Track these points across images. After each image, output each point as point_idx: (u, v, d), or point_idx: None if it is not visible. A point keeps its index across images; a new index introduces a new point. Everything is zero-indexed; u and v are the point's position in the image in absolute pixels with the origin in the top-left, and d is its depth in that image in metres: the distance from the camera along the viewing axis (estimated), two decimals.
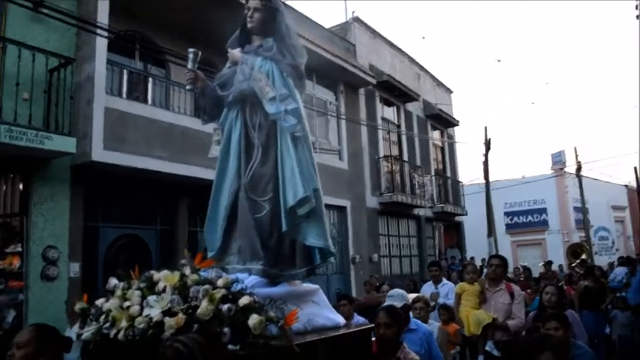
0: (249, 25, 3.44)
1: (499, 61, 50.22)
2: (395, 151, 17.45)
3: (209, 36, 7.59)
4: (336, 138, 14.69)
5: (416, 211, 17.85)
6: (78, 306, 2.86)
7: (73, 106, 7.65)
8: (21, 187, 7.58)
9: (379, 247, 15.75)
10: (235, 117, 3.33)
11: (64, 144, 7.16)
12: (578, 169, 25.05)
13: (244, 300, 2.46)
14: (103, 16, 8.05)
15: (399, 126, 17.97)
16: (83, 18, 8.11)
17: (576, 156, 25.19)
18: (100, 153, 7.63)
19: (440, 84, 21.89)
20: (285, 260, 3.19)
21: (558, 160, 27.64)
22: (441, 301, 6.95)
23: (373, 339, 3.57)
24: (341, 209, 14.24)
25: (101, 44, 7.97)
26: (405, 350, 3.59)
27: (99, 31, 7.97)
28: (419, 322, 4.84)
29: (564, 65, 73.55)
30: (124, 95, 8.93)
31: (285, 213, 3.08)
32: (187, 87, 3.48)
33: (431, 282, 7.83)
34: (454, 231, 21.52)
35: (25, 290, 7.31)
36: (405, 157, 17.69)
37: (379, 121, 16.48)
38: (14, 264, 7.28)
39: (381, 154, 16.23)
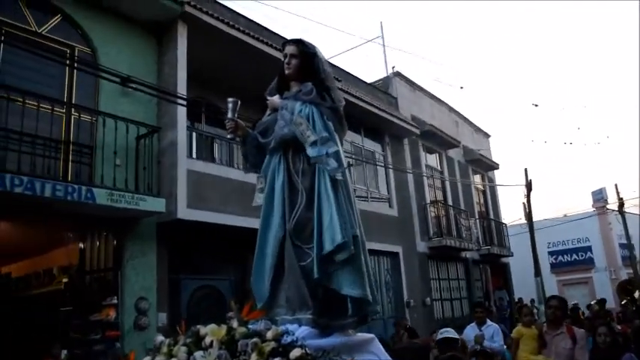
0: (286, 72, 3.42)
1: (536, 105, 50.69)
2: (440, 197, 17.95)
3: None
4: (385, 187, 15.32)
5: (463, 254, 18.20)
6: None
7: (159, 169, 8.46)
8: (114, 243, 8.35)
9: (430, 290, 16.08)
10: (278, 163, 3.28)
11: (156, 204, 7.94)
12: (621, 205, 25.03)
13: (295, 352, 2.35)
14: (182, 86, 8.96)
15: (442, 172, 18.52)
16: (164, 89, 9.03)
17: (617, 192, 25.24)
18: (183, 211, 8.38)
19: (478, 129, 22.49)
20: (335, 309, 3.05)
21: (599, 198, 27.67)
22: (486, 344, 6.74)
23: None
24: (394, 255, 14.74)
25: (181, 113, 8.85)
26: None
27: (179, 100, 8.86)
28: None
29: (600, 104, 73.53)
30: (197, 156, 9.77)
31: (319, 260, 2.98)
32: (228, 136, 3.48)
33: (474, 324, 7.54)
34: (501, 272, 21.64)
35: (120, 340, 7.96)
36: (450, 202, 18.17)
37: (423, 169, 17.09)
38: (111, 315, 7.98)
39: (428, 200, 16.77)
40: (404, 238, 15.18)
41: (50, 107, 7.64)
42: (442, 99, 19.81)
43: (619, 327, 10.85)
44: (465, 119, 21.47)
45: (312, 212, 3.08)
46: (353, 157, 13.96)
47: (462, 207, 18.76)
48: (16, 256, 11.12)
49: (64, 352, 7.54)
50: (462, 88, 65.01)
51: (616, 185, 26.04)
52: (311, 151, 3.08)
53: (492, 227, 20.97)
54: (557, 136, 69.57)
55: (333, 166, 3.05)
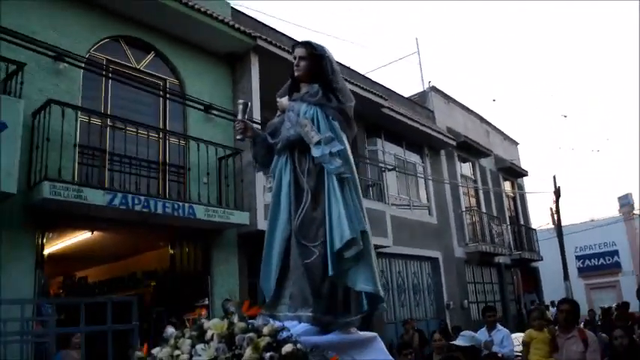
0: (296, 74, 3.48)
1: (565, 116, 51.43)
2: (474, 204, 18.93)
3: None
4: (425, 195, 16.36)
5: (496, 259, 19.14)
6: (136, 356, 2.91)
7: (241, 186, 9.59)
8: (202, 251, 9.50)
9: (467, 293, 17.05)
10: (285, 163, 3.34)
11: (242, 217, 9.08)
12: None
13: (287, 348, 2.45)
14: (255, 111, 10.09)
15: (475, 181, 19.49)
16: None
17: None
18: (262, 223, 9.50)
19: (507, 137, 23.40)
20: (339, 307, 3.11)
21: (626, 203, 28.37)
22: (495, 349, 6.47)
23: None
24: (434, 260, 15.76)
25: None
26: None
27: (254, 124, 9.98)
28: None
29: (627, 115, 73.86)
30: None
31: (332, 257, 3.02)
32: (237, 137, 3.55)
33: (484, 329, 7.25)
34: (531, 276, 22.49)
35: None
36: (483, 209, 19.13)
37: (459, 178, 18.08)
38: (203, 315, 9.12)
39: (463, 208, 17.76)
40: (443, 244, 16.20)
41: (146, 133, 8.83)
42: (473, 109, 20.79)
43: None
44: (495, 128, 22.40)
45: (317, 211, 3.16)
46: (396, 169, 15.03)
47: (495, 213, 19.71)
48: (108, 261, 12.26)
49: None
50: (494, 100, 66.01)
51: None
52: (315, 152, 3.15)
53: (522, 233, 21.85)
54: (585, 143, 70.04)
55: (336, 165, 3.10)
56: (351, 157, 3.30)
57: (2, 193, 6.53)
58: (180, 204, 8.22)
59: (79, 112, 7.92)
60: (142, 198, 7.74)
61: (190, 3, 9.27)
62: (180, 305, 9.28)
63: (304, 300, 3.04)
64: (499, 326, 7.18)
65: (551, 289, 22.34)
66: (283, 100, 3.53)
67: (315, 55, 3.43)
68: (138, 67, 9.30)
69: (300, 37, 13.96)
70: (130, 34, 9.20)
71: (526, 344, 5.68)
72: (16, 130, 6.69)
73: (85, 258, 11.79)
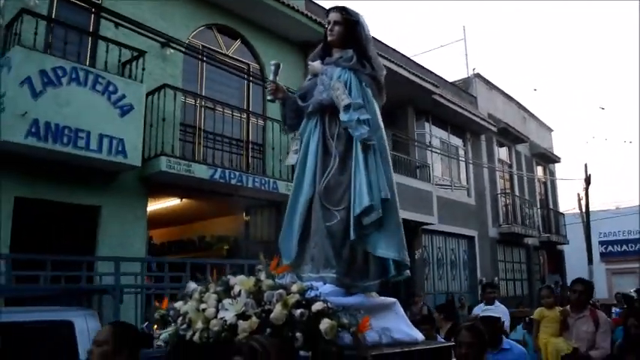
0: (329, 39, 3.43)
1: (603, 108, 51.58)
2: (508, 187, 19.83)
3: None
4: (465, 177, 17.31)
5: (526, 240, 20.10)
6: (157, 313, 2.91)
7: None
8: (275, 220, 10.58)
9: (498, 271, 18.10)
10: (314, 127, 3.32)
11: None
12: None
13: (317, 306, 2.43)
14: None
15: (510, 165, 20.34)
16: None
17: None
18: None
19: (542, 124, 24.09)
20: (358, 271, 3.12)
21: None
22: None
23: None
24: (470, 238, 16.79)
25: None
26: None
27: None
28: (513, 342, 4.56)
29: None
30: None
31: (354, 222, 3.04)
32: (268, 98, 3.55)
33: (482, 304, 7.37)
34: (556, 258, 23.43)
35: None
36: (517, 192, 20.02)
37: (496, 162, 18.95)
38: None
39: (499, 190, 18.68)
40: (478, 224, 17.20)
41: (231, 113, 9.83)
42: (513, 96, 21.50)
43: None
44: (531, 114, 23.11)
45: (343, 176, 3.14)
46: (440, 152, 15.97)
47: (527, 197, 20.59)
48: (177, 224, 13.22)
49: None
50: (535, 90, 66.41)
51: None
52: (343, 116, 3.13)
53: (551, 216, 22.74)
54: (618, 134, 70.66)
55: (361, 131, 3.08)
56: (381, 125, 3.30)
57: (129, 166, 7.64)
58: (266, 179, 9.28)
59: (180, 94, 8.95)
60: (237, 173, 8.82)
61: None
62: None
63: (327, 261, 3.07)
64: (497, 303, 7.12)
65: (575, 272, 23.20)
66: (315, 64, 3.49)
67: (350, 20, 3.39)
68: (227, 52, 10.27)
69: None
70: (221, 22, 10.17)
71: (536, 322, 5.57)
72: (140, 110, 7.77)
73: (156, 221, 12.87)
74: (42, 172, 7.17)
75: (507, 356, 4.11)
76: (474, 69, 19.49)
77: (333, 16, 3.40)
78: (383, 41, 14.55)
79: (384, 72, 3.45)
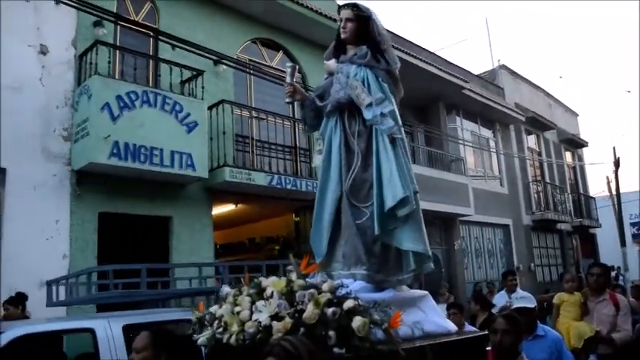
0: (342, 36, 3.44)
1: (629, 92, 51.64)
2: (539, 174, 20.21)
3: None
4: (497, 168, 17.75)
5: (558, 226, 20.46)
6: (194, 315, 2.96)
7: None
8: None
9: (533, 257, 18.52)
10: (335, 126, 3.33)
11: None
12: None
13: (349, 303, 2.46)
14: None
15: (539, 153, 20.70)
16: None
17: None
18: None
19: (568, 109, 24.36)
20: (391, 266, 3.15)
21: None
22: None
23: (488, 348, 3.34)
24: (505, 227, 17.25)
25: None
26: None
27: None
28: (547, 327, 4.56)
29: None
30: None
31: (379, 216, 3.04)
32: (286, 100, 3.56)
33: (504, 291, 7.28)
34: (589, 242, 23.72)
35: None
36: (547, 179, 20.38)
37: (526, 151, 19.34)
38: None
39: (530, 179, 19.07)
40: (512, 212, 17.64)
41: (282, 122, 10.43)
42: (538, 84, 21.82)
43: None
44: (557, 100, 23.39)
45: (368, 173, 3.15)
46: (472, 145, 16.43)
47: (557, 183, 20.93)
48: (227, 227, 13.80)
49: None
50: (560, 77, 66.65)
51: None
52: (367, 114, 3.14)
53: (582, 201, 23.02)
54: None
55: (389, 125, 3.10)
56: (399, 118, 3.28)
57: (196, 178, 8.29)
58: (316, 182, 9.83)
59: (235, 107, 9.57)
60: (291, 178, 9.43)
61: (305, 4, 10.74)
62: None
63: (357, 258, 3.10)
64: (519, 290, 7.05)
65: (608, 255, 23.46)
66: (330, 63, 3.50)
67: (362, 16, 3.39)
68: (271, 64, 10.88)
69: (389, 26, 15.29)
70: (264, 36, 10.79)
71: (556, 307, 5.63)
72: (203, 125, 8.41)
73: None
74: (120, 188, 7.85)
75: (543, 343, 4.15)
76: (498, 60, 19.85)
77: (345, 14, 3.41)
78: (409, 39, 15.02)
79: (399, 65, 3.44)
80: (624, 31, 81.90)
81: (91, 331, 4.12)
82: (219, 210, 11.21)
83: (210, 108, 8.97)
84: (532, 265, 18.07)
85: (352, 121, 3.26)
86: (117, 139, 7.34)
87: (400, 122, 3.26)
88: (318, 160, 3.47)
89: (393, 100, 3.28)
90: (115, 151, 7.31)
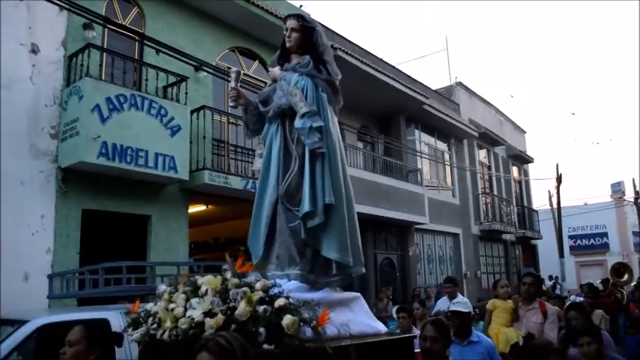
0: (287, 45, 3.54)
1: (573, 114, 55.56)
2: (487, 187, 21.33)
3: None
4: (450, 179, 18.71)
5: (504, 237, 21.63)
6: (128, 316, 2.97)
7: None
8: None
9: (480, 265, 19.57)
10: (275, 131, 3.40)
11: None
12: (637, 197, 28.23)
13: (280, 302, 2.52)
14: None
15: (489, 167, 21.83)
16: None
17: (634, 186, 28.43)
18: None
19: (516, 127, 25.68)
20: (321, 268, 3.28)
21: (617, 190, 30.94)
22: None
23: (417, 350, 3.47)
24: (455, 236, 18.22)
25: None
26: None
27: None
28: (481, 334, 4.65)
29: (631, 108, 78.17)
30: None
31: (303, 224, 3.21)
32: (230, 104, 3.63)
33: (446, 297, 7.53)
34: (530, 252, 25.09)
35: None
36: (495, 191, 21.52)
37: (477, 165, 20.39)
38: None
39: (479, 191, 20.13)
40: (463, 222, 18.63)
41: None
42: (491, 102, 22.99)
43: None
44: (507, 118, 24.65)
45: (302, 178, 3.25)
46: (429, 157, 17.30)
47: (504, 196, 22.12)
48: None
49: None
50: (512, 96, 70.10)
51: (633, 179, 29.26)
52: (297, 122, 3.23)
53: (526, 213, 24.35)
54: (587, 136, 75.17)
55: (312, 140, 3.19)
56: (334, 130, 3.40)
57: (177, 179, 8.67)
58: None
59: (212, 112, 9.97)
60: None
61: (280, 15, 11.18)
62: None
63: (291, 259, 3.23)
64: (460, 296, 7.26)
65: (547, 265, 24.89)
66: (275, 70, 3.61)
67: (307, 27, 3.52)
68: (248, 72, 11.33)
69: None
70: (242, 45, 11.23)
71: (488, 312, 5.82)
72: (186, 130, 8.80)
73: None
74: (104, 187, 8.15)
75: (476, 348, 4.23)
76: (456, 77, 20.84)
77: (291, 24, 3.53)
78: (373, 53, 15.68)
79: (340, 76, 3.58)
80: (571, 55, 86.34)
81: (105, 321, 4.50)
82: (191, 210, 11.58)
83: (192, 113, 9.36)
84: (478, 272, 19.10)
85: (293, 127, 3.33)
86: (105, 140, 7.65)
87: (335, 134, 3.39)
88: (258, 164, 3.54)
89: (329, 110, 3.40)
90: (103, 151, 7.61)
